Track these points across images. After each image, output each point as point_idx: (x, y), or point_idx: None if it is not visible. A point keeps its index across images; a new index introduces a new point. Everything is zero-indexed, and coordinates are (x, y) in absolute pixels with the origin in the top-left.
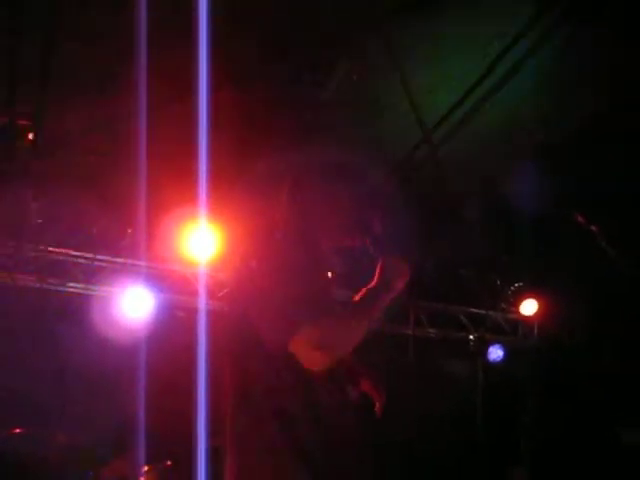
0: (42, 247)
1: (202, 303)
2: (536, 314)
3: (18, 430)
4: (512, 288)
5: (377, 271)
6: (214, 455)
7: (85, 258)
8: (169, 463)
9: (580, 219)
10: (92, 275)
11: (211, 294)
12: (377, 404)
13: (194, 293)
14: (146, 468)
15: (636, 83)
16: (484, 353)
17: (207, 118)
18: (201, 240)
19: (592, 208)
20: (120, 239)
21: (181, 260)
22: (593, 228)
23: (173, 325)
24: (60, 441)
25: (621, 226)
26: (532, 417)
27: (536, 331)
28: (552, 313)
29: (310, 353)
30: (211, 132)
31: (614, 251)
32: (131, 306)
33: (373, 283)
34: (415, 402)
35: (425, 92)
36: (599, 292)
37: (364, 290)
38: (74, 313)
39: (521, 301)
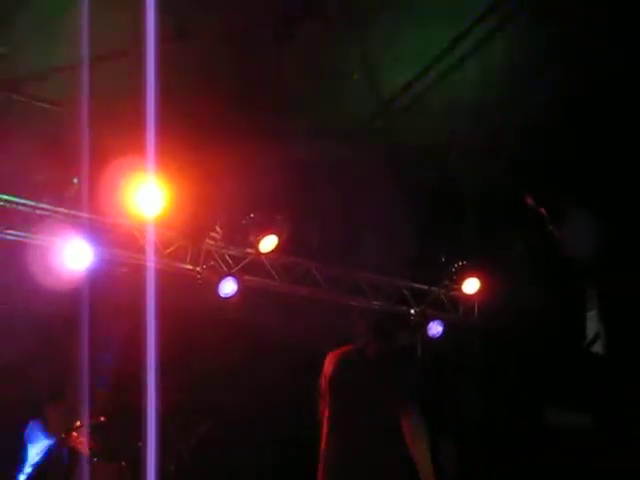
0: None
1: (150, 260)
2: (477, 293)
3: None
4: (456, 266)
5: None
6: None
7: (26, 205)
8: (102, 419)
9: (529, 201)
10: (33, 223)
11: (158, 251)
12: None
13: (140, 249)
14: (78, 423)
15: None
16: (424, 328)
17: (155, 70)
18: (149, 195)
19: (542, 191)
20: (64, 189)
21: (127, 215)
22: (542, 211)
23: (115, 281)
24: None
25: (568, 210)
26: (464, 393)
27: (476, 310)
28: (493, 293)
29: None
30: (159, 84)
31: (560, 234)
32: (71, 257)
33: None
34: None
35: (387, 63)
36: (541, 276)
37: None
38: (13, 260)
39: (464, 279)
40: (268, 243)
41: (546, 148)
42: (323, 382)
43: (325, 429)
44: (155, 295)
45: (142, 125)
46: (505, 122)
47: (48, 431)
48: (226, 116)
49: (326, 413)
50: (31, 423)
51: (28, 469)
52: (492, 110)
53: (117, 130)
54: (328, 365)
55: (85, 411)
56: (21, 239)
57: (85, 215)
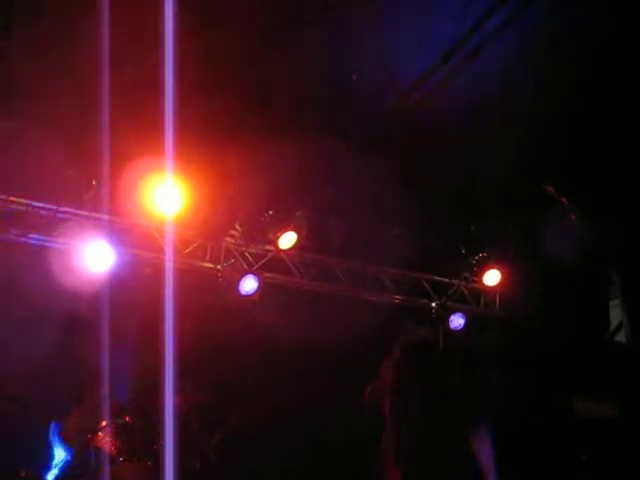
0: (3, 197)
1: (168, 260)
2: (498, 285)
3: None
4: (476, 258)
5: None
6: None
7: (47, 209)
8: (127, 419)
9: (550, 190)
10: (54, 227)
11: (178, 251)
12: None
13: (160, 250)
14: (104, 423)
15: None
16: (445, 321)
17: (173, 69)
18: (167, 194)
19: (563, 180)
20: (84, 191)
21: (146, 215)
22: (563, 200)
23: (138, 281)
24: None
25: (591, 199)
26: (488, 386)
27: (498, 302)
28: (514, 285)
29: None
30: (178, 84)
31: (583, 223)
32: (93, 260)
33: None
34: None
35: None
36: (563, 266)
37: None
38: (36, 265)
39: (484, 271)
40: (287, 240)
41: (568, 138)
42: (382, 386)
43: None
44: (174, 295)
45: (160, 125)
46: (524, 109)
47: (67, 433)
48: (244, 114)
49: (388, 416)
50: (52, 425)
51: (55, 470)
52: (511, 100)
53: (136, 130)
54: (387, 372)
55: (106, 412)
56: (43, 243)
57: (106, 217)
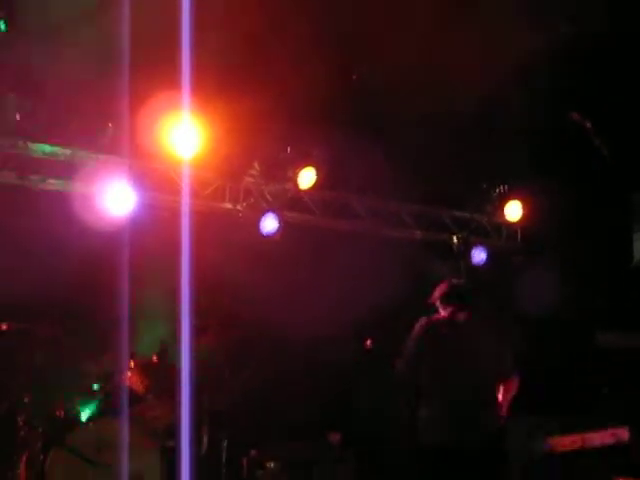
0: (21, 143)
1: (185, 202)
2: (520, 218)
3: (4, 326)
4: (497, 191)
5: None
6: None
7: (65, 154)
8: (155, 358)
9: (575, 117)
10: (73, 172)
11: (196, 193)
12: None
13: (179, 192)
14: (132, 364)
15: None
16: (467, 255)
17: (190, 6)
18: (185, 136)
19: (587, 105)
20: (101, 135)
21: (164, 157)
22: (588, 125)
23: (157, 225)
24: (43, 335)
25: (615, 125)
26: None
27: (519, 235)
28: (536, 217)
29: None
30: (195, 22)
31: (608, 149)
32: (113, 203)
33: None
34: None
35: None
36: (587, 193)
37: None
38: (55, 210)
39: (506, 205)
40: (307, 178)
41: (591, 65)
42: (412, 346)
43: (422, 388)
44: (191, 237)
45: (177, 66)
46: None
47: (97, 374)
48: (261, 52)
49: (423, 373)
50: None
51: (89, 409)
52: (530, 33)
53: (153, 72)
54: (420, 332)
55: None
56: (62, 188)
57: (124, 160)
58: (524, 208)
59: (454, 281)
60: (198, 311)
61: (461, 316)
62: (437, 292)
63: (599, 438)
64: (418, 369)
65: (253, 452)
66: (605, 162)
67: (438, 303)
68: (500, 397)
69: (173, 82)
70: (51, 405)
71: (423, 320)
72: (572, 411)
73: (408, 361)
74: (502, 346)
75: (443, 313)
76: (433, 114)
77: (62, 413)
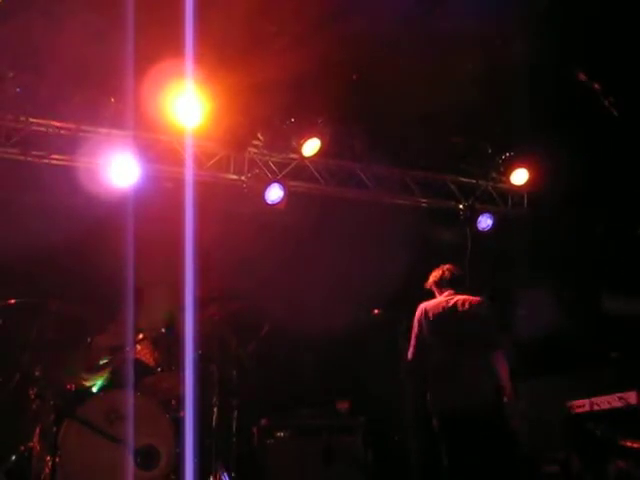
0: (23, 118)
1: (189, 173)
2: (526, 184)
3: (12, 300)
4: (503, 157)
5: None
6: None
7: (68, 129)
8: (163, 330)
9: (582, 77)
10: (77, 146)
11: (201, 164)
12: None
13: (182, 163)
14: (141, 336)
15: None
16: (473, 222)
17: None
18: (188, 107)
19: (595, 65)
20: (103, 108)
21: (168, 129)
22: (595, 85)
23: (161, 197)
24: (53, 309)
25: (624, 85)
26: (518, 284)
27: (526, 201)
28: (543, 182)
29: None
30: None
31: (617, 110)
32: (117, 175)
33: None
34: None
35: None
36: (595, 157)
37: None
38: (60, 184)
39: (512, 170)
40: (311, 147)
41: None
42: (416, 332)
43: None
44: (194, 208)
45: (180, 35)
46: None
47: (105, 347)
48: (264, 22)
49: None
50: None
51: (99, 381)
52: None
53: (155, 42)
54: (421, 315)
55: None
56: (66, 163)
57: (128, 132)
58: (530, 173)
59: (446, 267)
60: (202, 283)
61: (454, 298)
62: (431, 278)
63: (607, 402)
64: (424, 355)
65: (263, 421)
66: (615, 123)
67: (433, 287)
68: (502, 379)
69: (176, 53)
70: (62, 378)
71: (421, 306)
72: (580, 375)
73: (415, 350)
74: (490, 320)
75: (438, 297)
76: (437, 80)
77: (73, 386)
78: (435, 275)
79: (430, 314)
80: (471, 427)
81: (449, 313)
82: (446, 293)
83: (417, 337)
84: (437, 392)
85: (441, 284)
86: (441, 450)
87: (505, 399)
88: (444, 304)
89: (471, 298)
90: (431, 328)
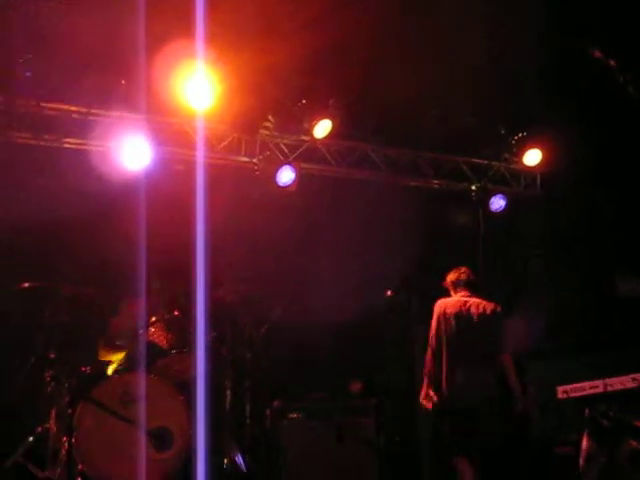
0: (34, 102)
1: (200, 155)
2: (539, 165)
3: (27, 284)
4: (516, 138)
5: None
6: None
7: (79, 113)
8: (176, 313)
9: (597, 54)
10: (88, 130)
11: (212, 146)
12: None
13: (194, 146)
14: (153, 319)
15: None
16: (486, 203)
17: None
18: (199, 89)
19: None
20: (114, 91)
21: (179, 111)
22: (612, 63)
23: (172, 179)
24: (67, 293)
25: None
26: (534, 267)
27: (539, 182)
28: (556, 163)
29: None
30: None
31: (634, 88)
32: (129, 158)
33: None
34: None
35: None
36: (609, 137)
37: None
38: (72, 167)
39: (524, 151)
40: (322, 128)
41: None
42: (435, 326)
43: (440, 357)
44: (206, 191)
45: (191, 16)
46: None
47: (119, 330)
48: (277, 2)
49: (442, 345)
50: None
51: (114, 365)
52: None
53: (166, 23)
54: (440, 312)
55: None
56: (78, 146)
57: (140, 115)
58: (543, 154)
59: (462, 269)
60: (214, 265)
61: (470, 300)
62: (448, 278)
63: (620, 382)
64: (440, 359)
65: (276, 403)
66: (631, 102)
67: (450, 287)
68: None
69: (187, 35)
70: (77, 361)
71: (440, 302)
72: (593, 356)
73: (433, 351)
74: (500, 326)
75: (454, 295)
76: (449, 59)
77: (88, 369)
78: (452, 276)
79: (448, 312)
80: (478, 415)
81: (465, 314)
82: (461, 293)
83: (436, 337)
84: (449, 387)
85: (457, 284)
86: (450, 432)
87: (515, 395)
88: (462, 304)
89: (485, 302)
90: (447, 326)
